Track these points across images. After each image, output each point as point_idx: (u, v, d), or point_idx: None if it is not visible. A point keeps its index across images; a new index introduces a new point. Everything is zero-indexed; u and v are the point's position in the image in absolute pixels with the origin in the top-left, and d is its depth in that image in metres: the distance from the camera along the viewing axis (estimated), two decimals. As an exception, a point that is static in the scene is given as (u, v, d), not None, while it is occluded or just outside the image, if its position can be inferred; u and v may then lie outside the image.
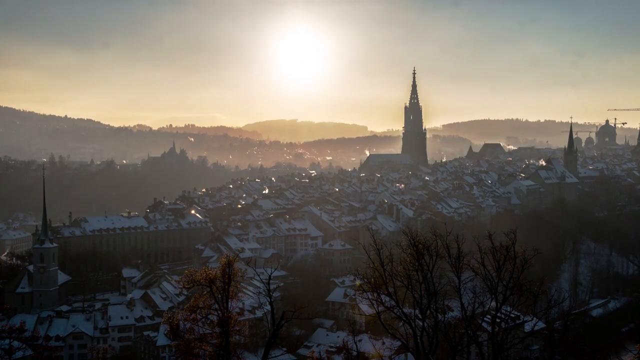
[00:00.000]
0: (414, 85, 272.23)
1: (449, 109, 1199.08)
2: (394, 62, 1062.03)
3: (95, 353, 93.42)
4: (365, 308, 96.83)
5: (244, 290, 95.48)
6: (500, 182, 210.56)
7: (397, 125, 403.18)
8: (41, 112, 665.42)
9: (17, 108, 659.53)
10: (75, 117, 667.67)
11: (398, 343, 70.04)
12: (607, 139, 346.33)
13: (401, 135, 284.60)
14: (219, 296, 33.72)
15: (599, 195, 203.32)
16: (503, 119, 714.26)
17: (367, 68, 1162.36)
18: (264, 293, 37.21)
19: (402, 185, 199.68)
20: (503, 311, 40.63)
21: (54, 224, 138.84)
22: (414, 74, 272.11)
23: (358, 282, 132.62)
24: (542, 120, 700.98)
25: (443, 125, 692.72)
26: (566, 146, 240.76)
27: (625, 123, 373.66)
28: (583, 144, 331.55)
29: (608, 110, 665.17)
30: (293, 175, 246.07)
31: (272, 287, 37.12)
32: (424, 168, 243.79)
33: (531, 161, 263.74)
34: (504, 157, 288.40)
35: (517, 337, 47.73)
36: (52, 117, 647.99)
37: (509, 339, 41.65)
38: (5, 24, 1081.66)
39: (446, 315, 40.62)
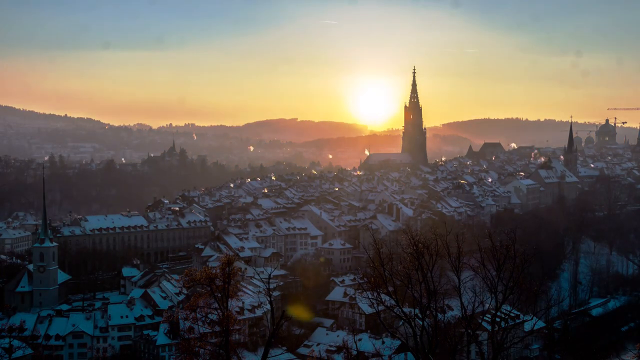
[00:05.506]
0: (414, 85, 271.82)
1: (449, 109, 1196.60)
2: (394, 62, 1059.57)
3: (95, 352, 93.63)
4: (366, 307, 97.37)
5: (243, 289, 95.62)
6: (500, 182, 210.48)
7: (397, 125, 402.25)
8: (41, 112, 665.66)
9: (17, 107, 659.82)
10: (75, 117, 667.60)
11: (398, 342, 70.31)
12: (607, 139, 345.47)
13: (401, 134, 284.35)
14: (219, 295, 33.72)
15: (599, 194, 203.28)
16: (503, 118, 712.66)
17: (367, 67, 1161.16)
18: (263, 292, 37.25)
19: (402, 184, 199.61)
20: (503, 310, 40.66)
21: (53, 223, 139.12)
22: (414, 73, 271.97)
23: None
24: (542, 119, 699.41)
25: (443, 125, 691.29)
26: (566, 145, 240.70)
27: (625, 122, 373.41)
28: (583, 143, 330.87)
29: (608, 109, 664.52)
30: (293, 175, 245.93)
31: (271, 286, 37.16)
32: (423, 167, 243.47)
33: (531, 160, 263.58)
34: (503, 156, 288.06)
35: (517, 337, 47.80)
36: (52, 116, 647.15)
37: (509, 338, 41.69)
38: (5, 23, 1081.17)
39: (446, 315, 40.64)
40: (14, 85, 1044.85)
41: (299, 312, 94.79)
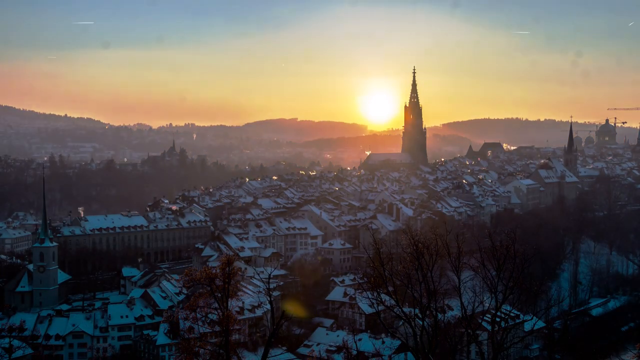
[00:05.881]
0: (414, 85, 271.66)
1: (449, 109, 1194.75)
2: (394, 62, 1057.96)
3: (95, 352, 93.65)
4: (366, 307, 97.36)
5: (243, 289, 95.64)
6: (500, 182, 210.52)
7: (397, 125, 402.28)
8: (41, 112, 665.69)
9: (17, 107, 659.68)
10: (75, 116, 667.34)
11: (398, 342, 70.32)
12: (607, 138, 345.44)
13: (401, 134, 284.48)
14: (219, 295, 33.71)
15: (599, 194, 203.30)
16: (503, 118, 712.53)
17: (367, 67, 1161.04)
18: (263, 292, 37.26)
19: (402, 184, 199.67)
20: (503, 310, 40.65)
21: (53, 223, 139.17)
22: (414, 73, 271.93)
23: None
24: (542, 119, 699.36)
25: (443, 125, 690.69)
26: (566, 145, 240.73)
27: (625, 122, 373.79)
28: (583, 143, 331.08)
29: (608, 109, 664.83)
30: (293, 174, 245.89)
31: (271, 286, 37.19)
32: (423, 167, 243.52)
33: (531, 160, 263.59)
34: (503, 156, 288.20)
35: (517, 337, 47.80)
36: (52, 116, 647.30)
37: (509, 338, 41.69)
38: (5, 23, 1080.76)
39: (446, 315, 40.60)
40: (14, 85, 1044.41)
41: (297, 311, 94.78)
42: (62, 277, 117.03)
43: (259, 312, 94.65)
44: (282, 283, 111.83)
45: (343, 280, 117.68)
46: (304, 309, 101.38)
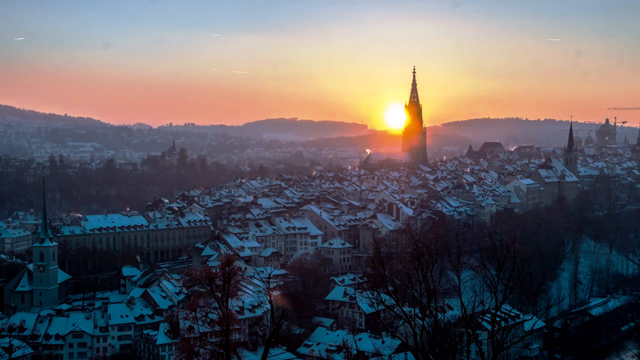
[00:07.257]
0: (414, 84, 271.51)
1: (449, 108, 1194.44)
2: (393, 62, 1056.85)
3: (95, 352, 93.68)
4: (365, 307, 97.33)
5: (243, 288, 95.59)
6: (500, 181, 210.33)
7: (397, 124, 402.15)
8: (41, 111, 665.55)
9: (17, 107, 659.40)
10: (75, 116, 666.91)
11: (398, 342, 70.37)
12: (607, 138, 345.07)
13: (401, 134, 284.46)
14: (219, 295, 33.72)
15: (599, 194, 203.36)
16: (503, 117, 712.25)
17: (367, 67, 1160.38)
18: (263, 292, 37.26)
19: (402, 183, 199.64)
20: (503, 310, 40.61)
21: (53, 223, 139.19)
22: (414, 72, 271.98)
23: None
24: (542, 119, 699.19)
25: (443, 124, 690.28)
26: (566, 145, 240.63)
27: (625, 122, 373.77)
28: (583, 143, 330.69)
29: (608, 109, 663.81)
30: (293, 174, 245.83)
31: (271, 285, 37.19)
32: (423, 167, 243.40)
33: (531, 160, 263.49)
34: (503, 156, 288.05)
35: (517, 336, 47.80)
36: (52, 116, 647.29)
37: (509, 337, 41.69)
38: (5, 24, 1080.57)
39: (446, 314, 40.57)
40: (14, 85, 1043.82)
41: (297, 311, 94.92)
42: (62, 276, 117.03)
43: (259, 312, 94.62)
44: (282, 283, 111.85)
45: (343, 280, 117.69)
46: (303, 308, 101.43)
